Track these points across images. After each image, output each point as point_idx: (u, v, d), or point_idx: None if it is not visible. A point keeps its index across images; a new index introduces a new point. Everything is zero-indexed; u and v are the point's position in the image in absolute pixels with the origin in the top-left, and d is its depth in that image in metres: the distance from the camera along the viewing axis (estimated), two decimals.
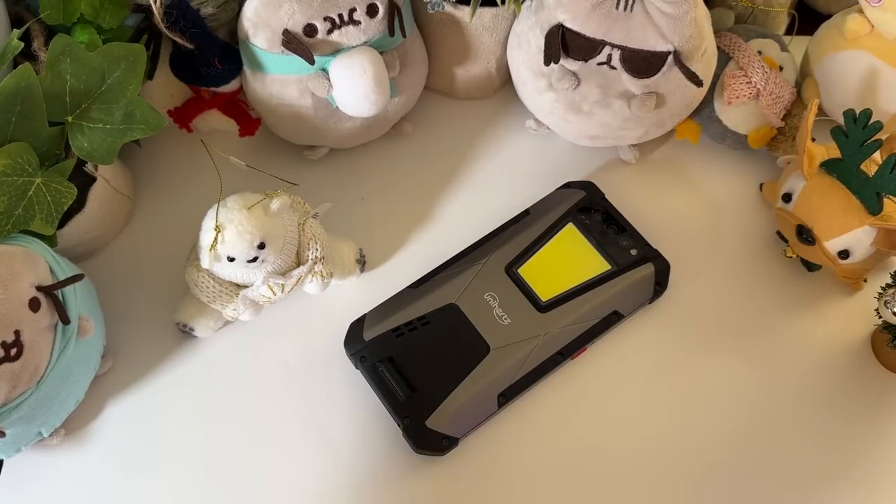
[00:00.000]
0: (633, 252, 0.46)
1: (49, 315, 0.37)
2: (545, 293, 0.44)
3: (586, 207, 0.47)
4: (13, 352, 0.35)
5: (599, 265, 0.45)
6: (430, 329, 0.43)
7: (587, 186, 0.49)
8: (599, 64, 0.45)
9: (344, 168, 0.52)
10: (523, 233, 0.46)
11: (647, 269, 0.45)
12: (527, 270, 0.45)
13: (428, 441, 0.40)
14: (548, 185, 0.50)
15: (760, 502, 0.41)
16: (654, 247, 0.46)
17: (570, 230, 0.47)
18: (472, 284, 0.44)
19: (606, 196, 0.49)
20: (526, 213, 0.48)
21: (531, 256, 0.45)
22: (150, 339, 0.45)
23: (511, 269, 0.45)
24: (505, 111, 0.55)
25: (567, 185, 0.50)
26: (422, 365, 0.42)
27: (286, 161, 0.51)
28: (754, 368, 0.45)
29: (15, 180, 0.38)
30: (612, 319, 0.44)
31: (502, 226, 0.47)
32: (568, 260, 0.45)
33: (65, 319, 0.37)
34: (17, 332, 0.35)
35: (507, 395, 0.42)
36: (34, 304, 0.36)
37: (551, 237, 0.46)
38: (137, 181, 0.51)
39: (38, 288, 0.36)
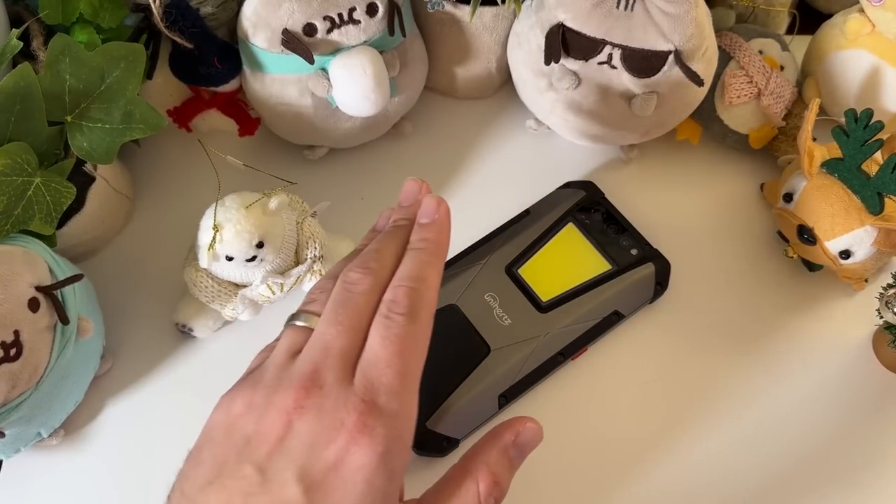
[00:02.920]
0: (634, 252, 0.46)
1: (48, 315, 0.37)
2: (545, 293, 0.44)
3: (586, 207, 0.47)
4: (12, 352, 0.35)
5: (600, 265, 0.45)
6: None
7: (587, 186, 0.49)
8: (600, 63, 0.44)
9: (343, 168, 0.52)
10: (523, 233, 0.46)
11: (648, 269, 0.45)
12: (527, 271, 0.45)
13: (428, 442, 0.40)
14: (548, 184, 0.50)
15: (760, 502, 0.41)
16: (655, 246, 0.46)
17: (570, 230, 0.46)
18: (472, 285, 0.44)
19: (607, 196, 0.48)
20: (526, 213, 0.48)
21: (531, 256, 0.45)
22: (150, 339, 0.45)
23: (511, 270, 0.45)
24: (505, 111, 0.54)
25: (567, 185, 0.49)
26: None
27: (286, 161, 0.51)
28: (755, 369, 0.45)
29: (14, 180, 0.38)
30: (613, 319, 0.44)
31: (502, 226, 0.47)
32: (568, 260, 0.45)
33: (64, 320, 0.37)
34: (16, 333, 0.35)
35: (508, 396, 0.42)
36: (33, 305, 0.36)
37: (551, 237, 0.46)
38: (136, 181, 0.50)
39: (38, 288, 0.36)
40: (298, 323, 0.31)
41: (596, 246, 0.46)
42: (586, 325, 0.43)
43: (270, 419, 0.28)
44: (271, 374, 0.29)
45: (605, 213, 0.47)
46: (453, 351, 0.42)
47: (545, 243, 0.46)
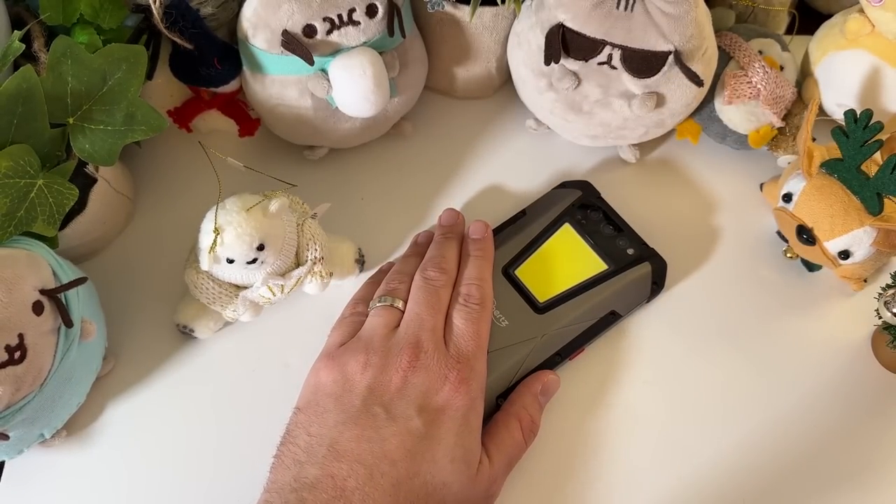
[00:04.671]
0: (630, 251, 0.46)
1: (52, 318, 0.37)
2: (542, 294, 0.44)
3: (582, 207, 0.47)
4: (17, 355, 0.35)
5: (596, 265, 0.45)
6: None
7: (583, 186, 0.49)
8: (600, 63, 0.44)
9: (343, 168, 0.52)
10: (520, 234, 0.46)
11: (644, 269, 0.45)
12: (524, 272, 0.45)
13: None
14: (548, 184, 0.50)
15: (759, 502, 0.41)
16: (652, 246, 0.46)
17: (566, 230, 0.47)
18: None
19: (605, 195, 0.48)
20: (522, 213, 0.48)
21: (528, 257, 0.45)
22: (151, 340, 0.45)
23: (508, 271, 0.45)
24: (505, 111, 0.55)
25: (563, 185, 0.49)
26: None
27: (286, 161, 0.51)
28: (753, 369, 0.45)
29: (17, 182, 0.38)
30: (610, 319, 0.44)
31: (499, 227, 0.47)
32: (565, 260, 0.45)
33: (68, 322, 0.37)
34: (20, 336, 0.35)
35: (506, 397, 0.42)
36: (37, 308, 0.36)
37: (548, 238, 0.46)
38: (138, 182, 0.51)
39: (42, 291, 0.36)
40: (387, 304, 0.41)
41: (592, 246, 0.46)
42: (583, 326, 0.43)
43: (389, 374, 0.38)
44: (379, 343, 0.39)
45: (601, 213, 0.47)
46: None
47: (542, 244, 0.46)
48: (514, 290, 0.44)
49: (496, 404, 0.41)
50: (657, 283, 0.46)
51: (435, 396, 0.37)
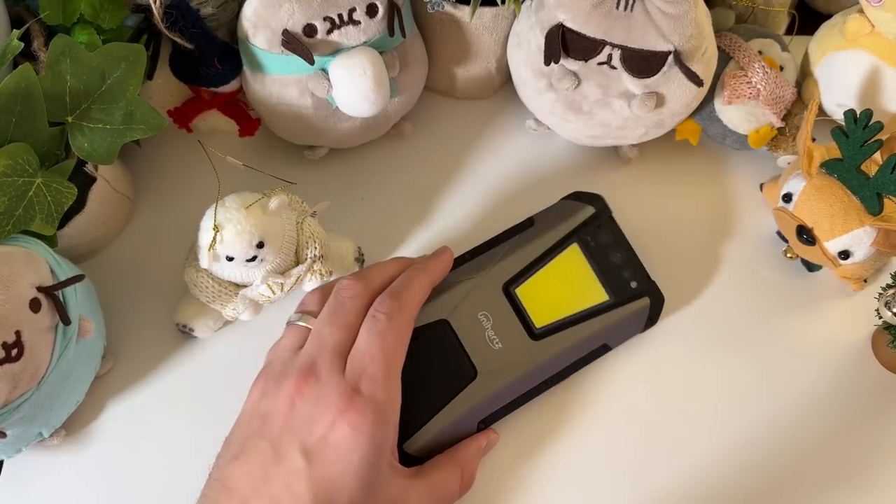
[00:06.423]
0: (633, 285, 0.44)
1: (50, 316, 0.37)
2: (540, 319, 0.42)
3: (593, 226, 0.45)
4: (14, 352, 0.35)
5: (597, 295, 0.44)
6: (418, 346, 0.39)
7: (596, 201, 0.46)
8: (600, 64, 0.44)
9: (344, 168, 0.52)
10: (526, 247, 0.44)
11: (643, 303, 0.44)
12: (524, 291, 0.43)
13: (404, 465, 0.38)
14: (548, 184, 0.50)
15: (759, 502, 0.41)
16: (653, 278, 0.45)
17: (573, 251, 0.44)
18: (467, 300, 0.42)
19: (605, 196, 0.47)
20: (530, 222, 0.46)
21: (531, 276, 0.43)
22: (150, 339, 0.45)
23: (509, 289, 0.43)
24: (505, 111, 0.55)
25: (576, 196, 0.47)
26: (406, 385, 0.37)
27: (286, 161, 0.51)
28: (753, 368, 0.45)
29: (15, 181, 0.38)
30: (600, 352, 0.43)
31: (504, 233, 0.45)
32: (567, 285, 0.44)
33: (65, 320, 0.37)
34: (17, 333, 0.35)
35: (488, 422, 0.41)
36: (35, 305, 0.36)
37: (554, 257, 0.44)
38: (137, 181, 0.51)
39: (39, 289, 0.36)
40: (298, 322, 0.38)
41: (597, 273, 0.44)
42: (574, 356, 0.42)
43: (279, 402, 0.34)
44: (278, 367, 0.36)
45: (610, 235, 0.45)
46: (440, 371, 0.40)
47: (546, 263, 0.44)
48: (513, 311, 0.42)
49: (477, 429, 0.41)
50: (652, 318, 0.44)
51: (316, 427, 0.33)
